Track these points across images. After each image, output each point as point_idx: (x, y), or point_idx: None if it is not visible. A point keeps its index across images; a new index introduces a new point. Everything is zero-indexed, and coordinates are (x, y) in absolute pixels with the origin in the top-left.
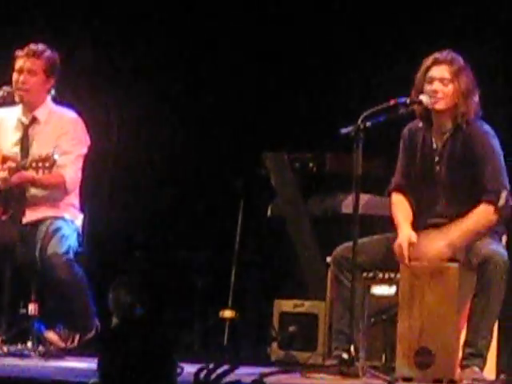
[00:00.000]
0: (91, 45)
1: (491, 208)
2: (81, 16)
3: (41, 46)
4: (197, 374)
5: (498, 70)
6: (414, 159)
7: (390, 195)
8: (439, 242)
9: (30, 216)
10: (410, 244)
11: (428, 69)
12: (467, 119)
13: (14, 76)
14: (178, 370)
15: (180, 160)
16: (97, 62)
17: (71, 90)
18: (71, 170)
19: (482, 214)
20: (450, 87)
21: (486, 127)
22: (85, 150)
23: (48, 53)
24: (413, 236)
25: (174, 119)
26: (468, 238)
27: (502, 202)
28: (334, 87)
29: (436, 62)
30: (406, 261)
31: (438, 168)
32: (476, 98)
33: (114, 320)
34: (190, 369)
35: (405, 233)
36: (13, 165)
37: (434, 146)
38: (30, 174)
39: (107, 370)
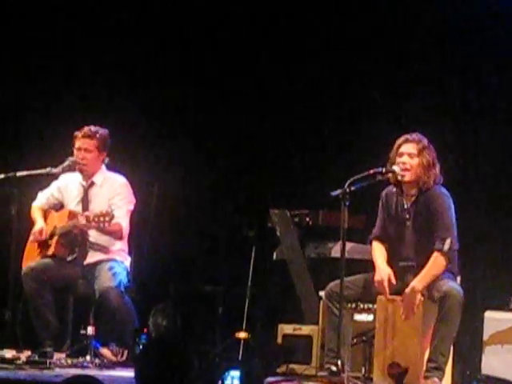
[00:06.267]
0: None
1: (439, 255)
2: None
3: (93, 128)
4: None
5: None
6: (390, 216)
7: (371, 243)
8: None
9: (89, 258)
10: (388, 279)
11: (399, 146)
12: (428, 186)
13: (75, 153)
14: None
15: (206, 217)
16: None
17: (122, 158)
18: (124, 221)
19: (434, 262)
20: (416, 160)
21: (443, 190)
22: (132, 207)
23: (99, 133)
24: (390, 273)
25: (200, 185)
26: (426, 282)
27: (446, 247)
28: (326, 160)
29: (406, 141)
30: (387, 291)
31: (408, 223)
32: (436, 170)
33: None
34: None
35: (382, 269)
36: (83, 221)
37: (405, 206)
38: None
39: (143, 374)
